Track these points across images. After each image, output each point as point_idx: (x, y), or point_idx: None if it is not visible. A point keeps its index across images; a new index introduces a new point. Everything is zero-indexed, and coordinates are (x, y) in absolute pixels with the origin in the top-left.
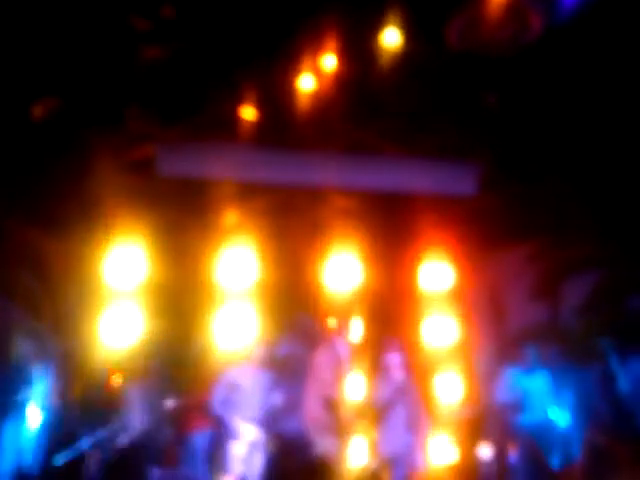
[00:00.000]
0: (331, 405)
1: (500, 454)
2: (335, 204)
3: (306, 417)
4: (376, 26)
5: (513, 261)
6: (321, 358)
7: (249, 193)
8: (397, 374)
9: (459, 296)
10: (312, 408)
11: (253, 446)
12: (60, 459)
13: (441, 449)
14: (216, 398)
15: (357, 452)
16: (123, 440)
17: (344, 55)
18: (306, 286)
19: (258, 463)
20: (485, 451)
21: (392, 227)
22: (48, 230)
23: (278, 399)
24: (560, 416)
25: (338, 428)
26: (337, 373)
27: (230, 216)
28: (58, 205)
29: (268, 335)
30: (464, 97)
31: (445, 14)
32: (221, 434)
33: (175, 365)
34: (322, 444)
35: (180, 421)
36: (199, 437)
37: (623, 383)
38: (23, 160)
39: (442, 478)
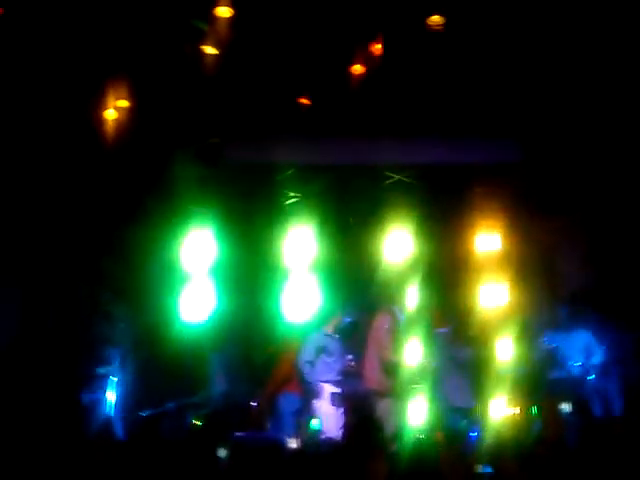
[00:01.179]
0: (389, 370)
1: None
2: (389, 180)
3: (367, 380)
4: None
5: (565, 227)
6: (379, 325)
7: (309, 175)
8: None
9: (512, 262)
10: (372, 372)
11: (332, 404)
12: (145, 413)
13: (500, 406)
14: (304, 358)
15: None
16: (207, 406)
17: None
18: (364, 259)
19: (335, 419)
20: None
21: (445, 199)
22: (128, 218)
23: (349, 362)
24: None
25: (395, 391)
26: (394, 339)
27: (292, 198)
28: (137, 194)
29: (334, 305)
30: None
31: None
32: (307, 395)
33: (252, 337)
34: (380, 405)
35: (266, 386)
36: (286, 399)
37: None
38: (106, 156)
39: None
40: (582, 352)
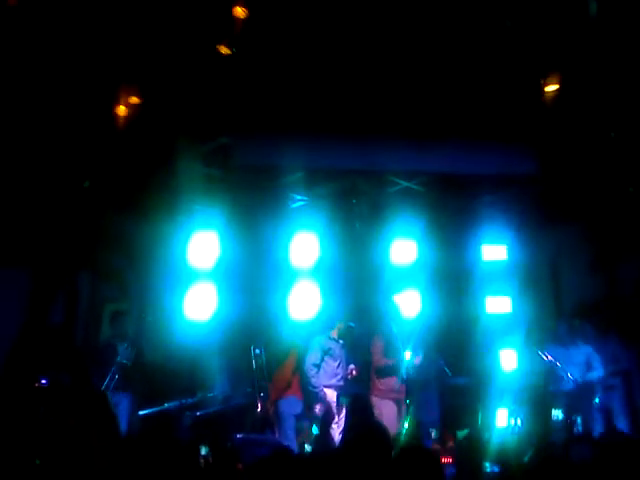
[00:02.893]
0: (385, 374)
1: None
2: (397, 186)
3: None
4: None
5: (571, 237)
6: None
7: (316, 179)
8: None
9: (518, 271)
10: (371, 376)
11: (334, 408)
12: (145, 411)
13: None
14: (310, 361)
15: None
16: (209, 407)
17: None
18: (369, 264)
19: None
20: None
21: (452, 207)
22: (136, 216)
23: (352, 368)
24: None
25: (391, 394)
26: (392, 347)
27: (298, 201)
28: (145, 193)
29: (339, 310)
30: (525, 82)
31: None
32: (309, 398)
33: (255, 338)
34: (378, 408)
35: (269, 389)
36: (288, 403)
37: None
38: (114, 156)
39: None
40: (582, 366)
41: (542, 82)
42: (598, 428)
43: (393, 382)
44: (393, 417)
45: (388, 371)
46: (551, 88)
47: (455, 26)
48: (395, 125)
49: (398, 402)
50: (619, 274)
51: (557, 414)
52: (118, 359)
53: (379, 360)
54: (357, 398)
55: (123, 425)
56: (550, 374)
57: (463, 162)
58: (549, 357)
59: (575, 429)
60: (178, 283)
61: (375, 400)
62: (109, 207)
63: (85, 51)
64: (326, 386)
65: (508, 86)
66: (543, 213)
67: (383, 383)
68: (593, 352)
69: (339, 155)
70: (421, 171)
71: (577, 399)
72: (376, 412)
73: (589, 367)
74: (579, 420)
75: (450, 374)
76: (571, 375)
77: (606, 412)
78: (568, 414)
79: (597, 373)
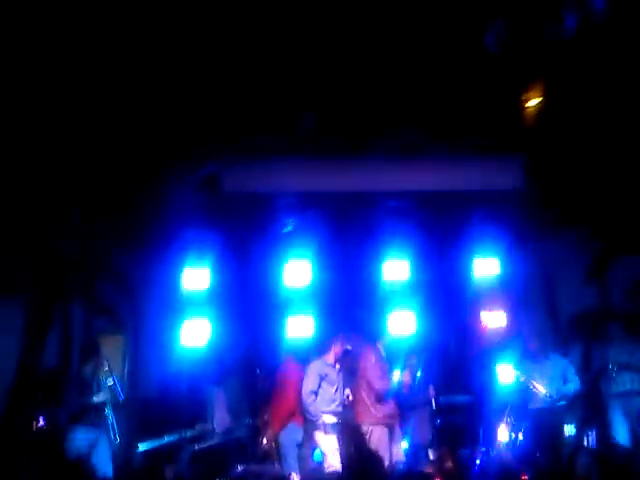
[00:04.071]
0: (384, 399)
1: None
2: (387, 206)
3: (357, 410)
4: None
5: (563, 249)
6: (367, 356)
7: (307, 203)
8: None
9: (511, 286)
10: (360, 403)
11: (333, 434)
12: (143, 447)
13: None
14: (308, 388)
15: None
16: (208, 439)
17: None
18: (363, 284)
19: (335, 451)
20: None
21: (442, 224)
22: (128, 246)
23: (349, 394)
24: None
25: (382, 421)
26: (381, 371)
27: (290, 225)
28: (136, 222)
29: (334, 332)
30: (509, 94)
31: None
32: (309, 426)
33: (252, 366)
34: (372, 439)
35: (267, 419)
36: (288, 431)
37: None
38: (104, 180)
39: None
40: (558, 380)
41: (525, 96)
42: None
43: (389, 407)
44: (386, 443)
45: (386, 396)
46: (534, 102)
47: (439, 43)
48: (382, 146)
49: (391, 426)
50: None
51: (569, 429)
52: (109, 394)
53: (377, 384)
54: (350, 427)
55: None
56: (525, 392)
57: (452, 179)
58: (522, 375)
59: (588, 442)
60: (173, 313)
61: (368, 427)
62: (101, 238)
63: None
64: (324, 412)
65: (493, 101)
66: (534, 226)
67: (380, 409)
68: (569, 364)
69: (328, 178)
70: (410, 191)
71: (588, 411)
72: (369, 439)
73: (565, 380)
74: (593, 433)
75: (438, 398)
76: (545, 390)
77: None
78: (581, 428)
79: (573, 386)
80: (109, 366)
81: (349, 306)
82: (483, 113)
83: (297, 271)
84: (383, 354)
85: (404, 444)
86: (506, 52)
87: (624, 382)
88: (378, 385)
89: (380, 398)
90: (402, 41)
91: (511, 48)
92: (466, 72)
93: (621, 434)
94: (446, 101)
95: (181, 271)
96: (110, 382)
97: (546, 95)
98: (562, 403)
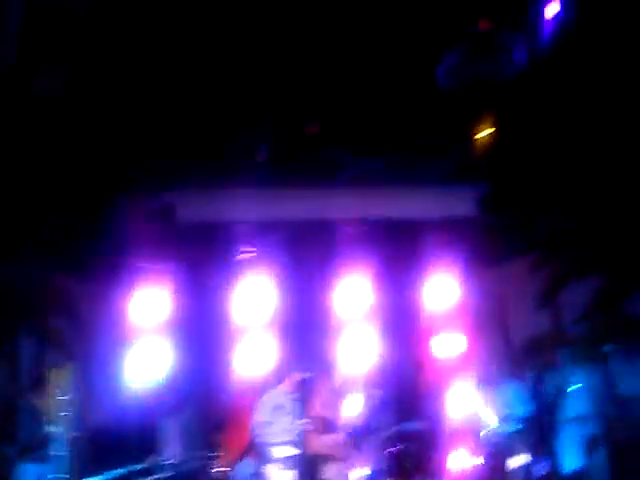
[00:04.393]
0: (330, 431)
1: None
2: (345, 233)
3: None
4: None
5: (516, 275)
6: (322, 384)
7: (264, 230)
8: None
9: (466, 312)
10: (314, 434)
11: (288, 467)
12: None
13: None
14: (261, 418)
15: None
16: (159, 472)
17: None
18: (321, 311)
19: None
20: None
21: (400, 251)
22: (78, 276)
23: (305, 424)
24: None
25: (337, 453)
26: (336, 400)
27: (247, 253)
28: (86, 251)
29: (291, 361)
30: (463, 125)
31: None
32: (262, 458)
33: (206, 397)
34: (326, 470)
35: (221, 451)
36: (242, 464)
37: (623, 386)
38: (54, 211)
39: None
40: (512, 405)
41: (478, 127)
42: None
43: (340, 437)
44: (341, 474)
45: (336, 425)
46: (486, 133)
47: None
48: (339, 173)
49: (345, 456)
50: (565, 307)
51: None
52: (59, 427)
53: (327, 413)
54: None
55: None
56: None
57: (408, 207)
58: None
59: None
60: (124, 343)
61: (323, 458)
62: (51, 269)
63: None
64: (279, 444)
65: (448, 132)
66: (488, 253)
67: (331, 439)
68: (522, 390)
69: (284, 206)
70: (368, 217)
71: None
72: (324, 472)
73: (518, 406)
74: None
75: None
76: (498, 416)
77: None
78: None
79: (526, 411)
80: (60, 399)
81: (307, 334)
82: (439, 143)
83: (255, 298)
84: (339, 382)
85: (360, 474)
86: (457, 85)
87: (574, 407)
88: (329, 414)
89: (331, 428)
90: (358, 72)
91: (461, 82)
92: (422, 103)
93: (572, 460)
94: (402, 132)
95: (133, 301)
96: (61, 415)
97: (498, 126)
98: (515, 429)
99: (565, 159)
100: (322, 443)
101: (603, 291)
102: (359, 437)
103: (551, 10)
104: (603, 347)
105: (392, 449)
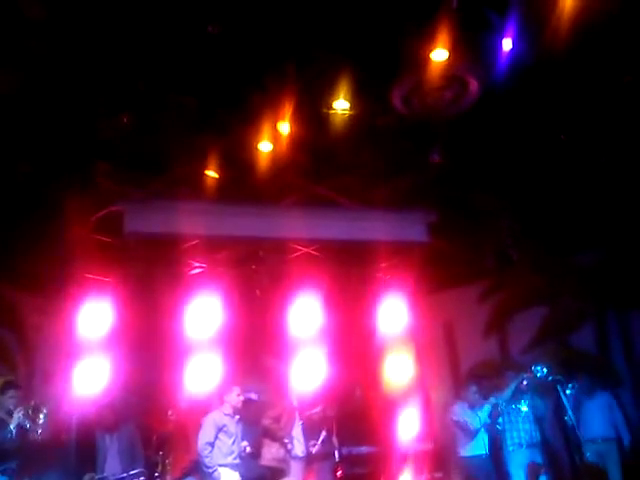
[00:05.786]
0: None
1: None
2: (296, 253)
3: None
4: (327, 92)
5: (464, 301)
6: (275, 404)
7: (214, 246)
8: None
9: (415, 336)
10: (267, 455)
11: None
12: None
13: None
14: (203, 439)
15: None
16: None
17: (298, 120)
18: (270, 331)
19: None
20: None
21: (350, 273)
22: (22, 286)
23: (249, 442)
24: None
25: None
26: (289, 420)
27: (196, 269)
28: (31, 262)
29: (237, 380)
30: (413, 153)
31: (390, 79)
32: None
33: (149, 414)
34: None
35: (164, 469)
36: None
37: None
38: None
39: None
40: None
41: (430, 156)
42: None
43: (277, 448)
44: None
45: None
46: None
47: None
48: (293, 194)
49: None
50: (512, 335)
51: None
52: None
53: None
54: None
55: None
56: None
57: (359, 230)
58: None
59: None
60: (67, 357)
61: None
62: None
63: None
64: (221, 465)
65: (400, 157)
66: (438, 278)
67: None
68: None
69: (237, 222)
70: (319, 238)
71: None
72: None
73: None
74: None
75: (341, 448)
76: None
77: None
78: None
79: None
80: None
81: (254, 353)
82: (391, 169)
83: (203, 315)
84: (288, 402)
85: None
86: (411, 111)
87: (519, 435)
88: (278, 432)
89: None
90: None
91: (413, 109)
92: (378, 129)
93: None
94: (355, 157)
95: (78, 314)
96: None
97: (448, 154)
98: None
99: (513, 189)
100: (271, 458)
101: (549, 321)
102: (309, 459)
103: (507, 44)
104: (550, 377)
105: (341, 472)
